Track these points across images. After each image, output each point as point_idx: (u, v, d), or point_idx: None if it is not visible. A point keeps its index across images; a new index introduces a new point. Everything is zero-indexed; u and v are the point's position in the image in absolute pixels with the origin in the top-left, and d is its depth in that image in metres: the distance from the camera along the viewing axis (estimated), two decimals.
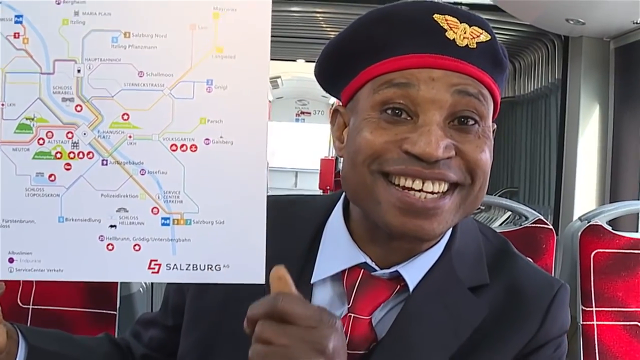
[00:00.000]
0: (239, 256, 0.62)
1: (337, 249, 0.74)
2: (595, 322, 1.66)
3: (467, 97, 0.67)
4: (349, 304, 0.71)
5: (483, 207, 3.15)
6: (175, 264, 0.62)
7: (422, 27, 0.67)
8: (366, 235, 0.73)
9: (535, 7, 2.35)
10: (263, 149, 0.62)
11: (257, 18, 0.62)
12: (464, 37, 0.67)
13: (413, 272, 0.71)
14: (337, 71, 0.73)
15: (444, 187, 0.67)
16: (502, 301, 0.72)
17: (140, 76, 0.61)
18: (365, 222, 0.72)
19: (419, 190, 0.66)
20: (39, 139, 0.61)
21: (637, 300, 1.66)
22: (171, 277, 0.62)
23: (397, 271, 0.71)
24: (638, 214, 2.28)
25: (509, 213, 2.61)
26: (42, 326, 1.40)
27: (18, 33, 0.60)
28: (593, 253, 1.68)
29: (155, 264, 0.62)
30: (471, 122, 0.68)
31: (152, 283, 1.97)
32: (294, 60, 5.48)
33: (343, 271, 0.72)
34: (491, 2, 2.44)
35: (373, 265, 0.72)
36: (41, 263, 0.61)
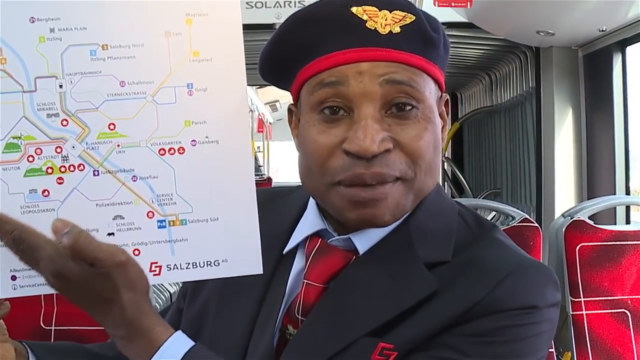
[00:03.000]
0: (235, 249, 0.61)
1: (307, 223, 0.72)
2: (584, 312, 1.64)
3: (396, 85, 0.63)
4: (304, 271, 0.68)
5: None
6: (175, 264, 0.60)
7: (341, 23, 0.64)
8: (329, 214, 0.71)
9: (507, 21, 2.34)
10: (247, 144, 0.61)
11: (228, 21, 0.61)
12: (385, 25, 0.63)
13: (365, 239, 0.68)
14: (277, 75, 0.71)
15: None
16: (456, 274, 0.64)
17: (122, 86, 0.59)
18: None
19: (363, 186, 0.63)
20: (29, 157, 0.58)
21: (622, 289, 1.65)
22: (172, 277, 0.60)
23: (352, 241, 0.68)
24: (615, 207, 2.23)
25: (494, 213, 2.56)
26: None
27: None
28: (578, 247, 1.66)
29: (155, 266, 0.60)
30: (408, 107, 0.64)
31: (170, 296, 1.90)
32: None
33: (307, 242, 0.71)
34: (466, 20, 2.42)
35: (331, 232, 0.69)
36: (42, 277, 0.57)
